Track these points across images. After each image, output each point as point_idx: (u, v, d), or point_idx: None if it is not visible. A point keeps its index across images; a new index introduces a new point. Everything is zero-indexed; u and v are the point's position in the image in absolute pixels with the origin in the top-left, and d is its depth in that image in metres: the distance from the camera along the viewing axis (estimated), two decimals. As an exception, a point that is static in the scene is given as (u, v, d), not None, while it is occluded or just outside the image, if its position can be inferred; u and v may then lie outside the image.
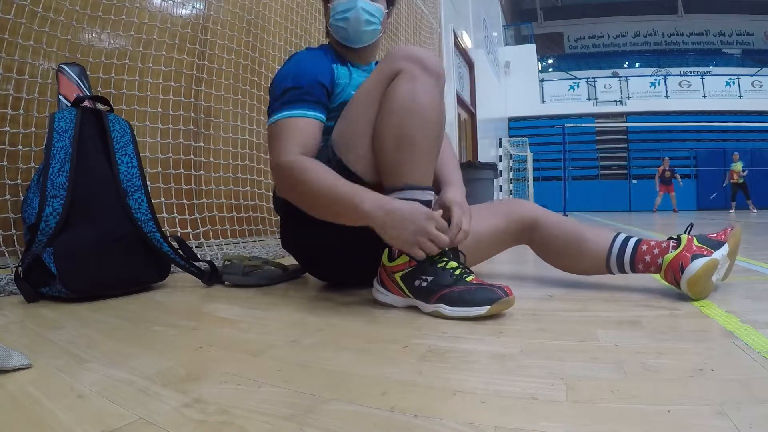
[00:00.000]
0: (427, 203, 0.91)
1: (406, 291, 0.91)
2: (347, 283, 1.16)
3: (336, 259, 1.08)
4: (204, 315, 0.93)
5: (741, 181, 9.24)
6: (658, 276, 1.01)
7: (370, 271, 1.11)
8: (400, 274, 0.91)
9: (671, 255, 0.96)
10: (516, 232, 1.17)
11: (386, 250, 0.95)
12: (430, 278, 0.87)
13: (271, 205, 1.26)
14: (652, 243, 1.01)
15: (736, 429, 0.41)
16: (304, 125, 0.97)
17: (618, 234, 1.07)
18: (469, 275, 0.88)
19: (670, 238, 1.01)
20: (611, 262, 1.05)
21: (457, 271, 0.88)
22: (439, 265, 0.88)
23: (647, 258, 1.00)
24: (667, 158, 10.07)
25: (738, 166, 9.28)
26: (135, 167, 1.22)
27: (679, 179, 9.90)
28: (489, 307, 0.82)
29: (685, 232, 1.01)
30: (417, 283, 0.88)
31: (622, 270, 1.05)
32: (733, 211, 9.16)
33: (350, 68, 1.11)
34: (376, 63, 1.23)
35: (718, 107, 11.66)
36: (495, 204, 1.23)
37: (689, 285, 0.92)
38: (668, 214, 7.99)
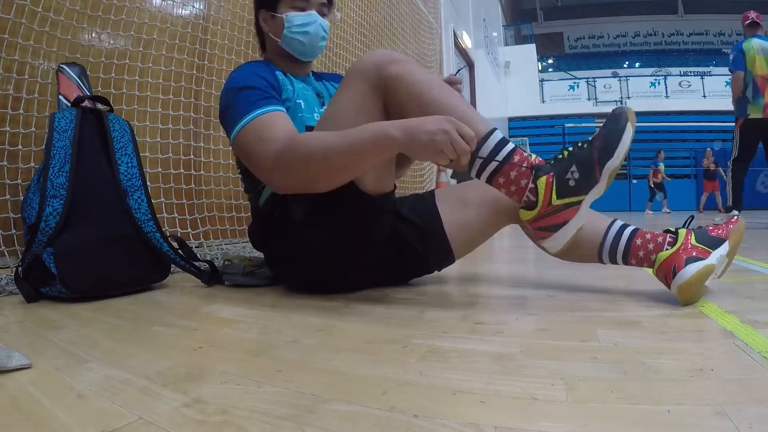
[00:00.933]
0: (503, 142, 0.86)
1: (567, 198, 0.83)
2: (351, 288, 1.13)
3: (333, 268, 1.05)
4: (204, 315, 0.93)
5: (660, 181, 8.93)
6: (650, 271, 0.97)
7: (371, 276, 1.12)
8: (552, 187, 0.83)
9: (665, 254, 0.91)
10: (506, 212, 1.12)
11: (521, 211, 0.88)
12: (573, 168, 0.83)
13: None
14: (648, 237, 0.97)
15: (736, 429, 0.41)
16: (280, 118, 0.94)
17: (613, 222, 1.03)
18: (586, 140, 0.86)
19: (668, 231, 0.96)
20: (603, 253, 1.02)
21: (579, 144, 0.86)
22: (566, 152, 0.85)
23: (641, 254, 0.96)
24: (709, 149, 9.18)
25: (662, 166, 8.97)
26: (135, 167, 1.22)
27: (723, 173, 8.51)
28: (629, 122, 0.84)
29: (684, 226, 0.97)
30: (569, 178, 0.83)
31: (614, 262, 1.01)
32: (650, 211, 8.76)
33: (290, 78, 1.11)
34: (313, 73, 1.22)
35: (718, 107, 11.64)
36: (483, 184, 1.17)
37: (679, 291, 0.88)
38: (663, 215, 7.98)
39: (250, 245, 2.01)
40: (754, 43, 3.31)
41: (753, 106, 3.29)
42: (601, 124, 0.86)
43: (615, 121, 0.85)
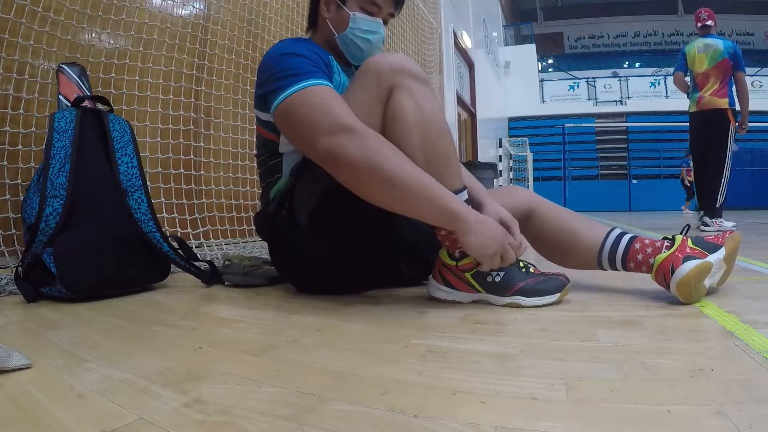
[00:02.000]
0: (468, 202, 0.93)
1: (478, 287, 0.94)
2: (352, 290, 1.12)
3: (335, 271, 1.05)
4: (204, 315, 0.93)
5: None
6: (649, 276, 0.98)
7: (374, 279, 1.12)
8: (472, 272, 0.94)
9: (663, 256, 0.93)
10: None
11: (443, 250, 0.96)
12: (502, 273, 0.92)
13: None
14: (646, 242, 0.99)
15: (736, 429, 0.41)
16: (339, 98, 0.87)
17: (612, 229, 1.04)
18: (530, 267, 0.96)
19: (665, 238, 0.98)
20: (603, 259, 1.03)
21: (521, 264, 0.95)
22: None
23: (639, 257, 0.98)
24: None
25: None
26: (135, 167, 1.22)
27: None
28: (559, 294, 0.93)
29: (681, 233, 0.99)
30: (490, 279, 0.93)
31: (613, 267, 1.03)
32: (688, 211, 8.73)
33: (338, 68, 1.05)
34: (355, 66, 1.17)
35: (718, 107, 11.64)
36: (491, 195, 1.16)
37: (678, 288, 0.89)
38: (671, 214, 7.96)
39: (250, 245, 2.02)
40: (698, 43, 3.39)
41: (691, 101, 3.43)
42: (545, 275, 0.96)
43: (554, 281, 0.94)
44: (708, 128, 3.29)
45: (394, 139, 0.87)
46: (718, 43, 3.29)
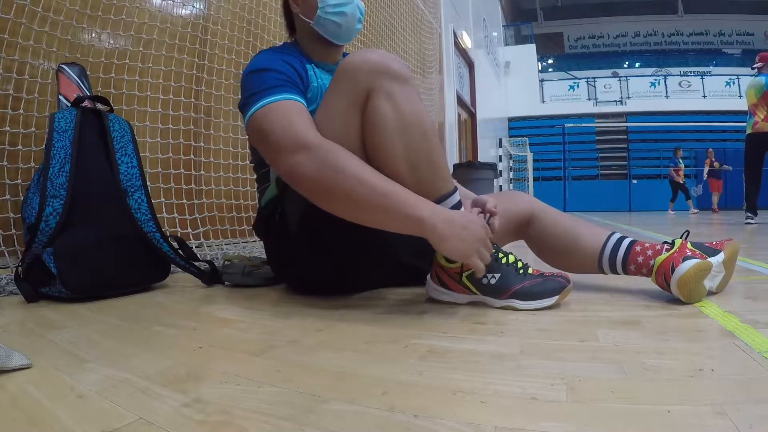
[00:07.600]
0: (458, 205, 0.89)
1: (474, 289, 0.92)
2: (351, 290, 1.12)
3: (329, 273, 1.04)
4: (204, 315, 0.93)
5: (683, 181, 8.73)
6: (650, 279, 0.98)
7: (371, 280, 1.11)
8: (467, 273, 0.92)
9: (663, 257, 0.93)
10: (513, 229, 1.15)
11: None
12: (497, 275, 0.90)
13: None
14: (646, 245, 1.00)
15: (736, 429, 0.41)
16: (306, 113, 0.86)
17: (612, 234, 1.05)
18: (528, 267, 0.93)
19: (665, 242, 0.99)
20: (603, 263, 1.03)
21: (519, 265, 0.92)
22: (502, 262, 0.91)
23: (639, 259, 0.98)
24: (710, 149, 9.28)
25: (682, 164, 8.81)
26: (135, 167, 1.22)
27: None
28: (557, 297, 0.90)
29: (680, 238, 0.99)
30: (485, 281, 0.91)
31: (614, 271, 1.03)
32: (672, 212, 8.51)
33: (316, 70, 1.03)
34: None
35: (718, 107, 11.65)
36: (493, 196, 1.15)
37: (678, 285, 0.89)
38: (681, 215, 7.97)
39: (251, 245, 2.02)
40: (750, 81, 4.41)
41: (747, 125, 4.41)
42: (544, 276, 0.92)
43: (553, 283, 0.91)
44: (761, 147, 4.29)
45: (373, 147, 0.85)
46: (761, 80, 4.28)
